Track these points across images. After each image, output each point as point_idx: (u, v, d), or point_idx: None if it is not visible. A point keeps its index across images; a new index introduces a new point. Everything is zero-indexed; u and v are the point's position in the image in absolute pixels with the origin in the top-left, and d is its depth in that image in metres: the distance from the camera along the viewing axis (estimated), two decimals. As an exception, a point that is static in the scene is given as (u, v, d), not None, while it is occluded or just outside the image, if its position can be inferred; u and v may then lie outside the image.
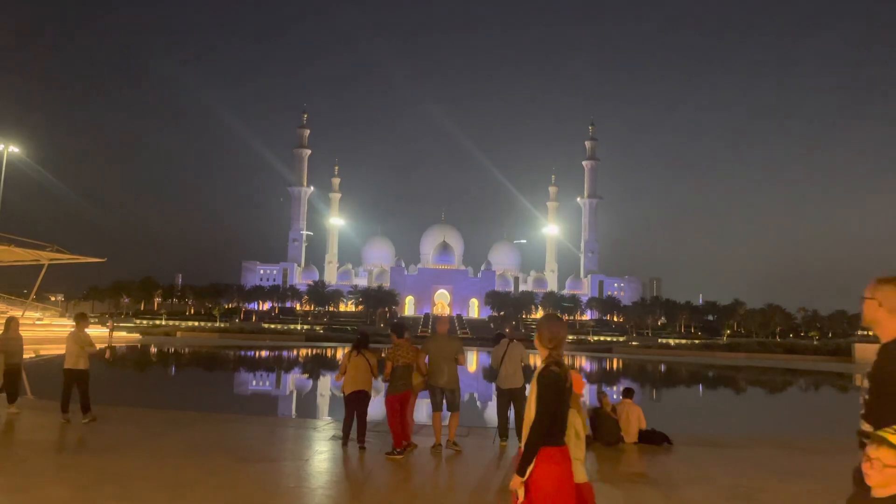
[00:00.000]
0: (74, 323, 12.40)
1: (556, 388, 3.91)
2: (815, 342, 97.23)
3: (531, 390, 3.97)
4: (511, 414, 11.09)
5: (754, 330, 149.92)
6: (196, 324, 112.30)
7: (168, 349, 52.31)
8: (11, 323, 12.94)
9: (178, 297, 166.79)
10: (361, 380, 10.27)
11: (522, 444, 3.92)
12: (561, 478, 3.81)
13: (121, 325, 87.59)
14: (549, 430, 3.85)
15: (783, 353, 72.72)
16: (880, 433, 2.82)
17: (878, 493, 2.82)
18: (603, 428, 11.24)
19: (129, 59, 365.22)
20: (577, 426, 5.61)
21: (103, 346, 47.44)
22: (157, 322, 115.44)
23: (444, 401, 10.58)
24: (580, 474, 5.23)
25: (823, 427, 18.28)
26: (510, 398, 10.96)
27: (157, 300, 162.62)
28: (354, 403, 10.25)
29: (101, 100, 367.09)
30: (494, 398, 11.80)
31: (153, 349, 51.12)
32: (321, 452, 9.96)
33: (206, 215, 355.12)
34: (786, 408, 25.84)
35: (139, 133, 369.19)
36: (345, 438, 10.29)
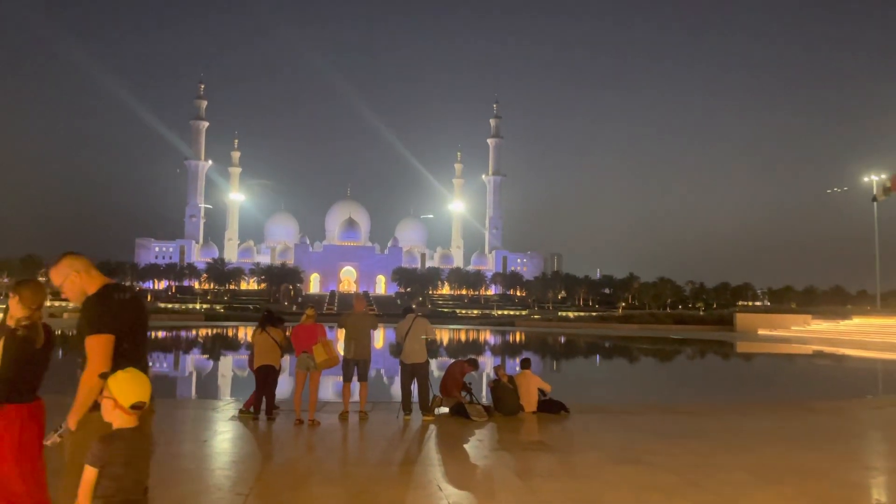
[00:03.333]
0: None
1: (21, 347, 4.09)
2: (701, 313, 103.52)
3: None
4: (414, 388, 11.30)
5: (647, 302, 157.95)
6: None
7: (55, 332, 49.27)
8: None
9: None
10: (267, 355, 10.64)
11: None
12: (20, 436, 3.97)
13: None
14: (15, 389, 4.03)
15: (672, 323, 76.96)
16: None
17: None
18: (503, 399, 11.61)
19: (8, 28, 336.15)
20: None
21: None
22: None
23: (356, 372, 11.00)
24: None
25: (705, 392, 19.62)
26: (413, 373, 11.16)
27: (42, 279, 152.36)
28: (261, 377, 10.62)
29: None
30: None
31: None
32: (221, 433, 9.77)
33: (96, 189, 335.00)
34: (673, 375, 27.48)
35: (20, 101, 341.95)
36: (255, 412, 10.61)
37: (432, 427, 10.52)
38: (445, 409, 11.67)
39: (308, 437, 9.56)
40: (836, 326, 59.71)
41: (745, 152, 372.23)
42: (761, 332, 61.99)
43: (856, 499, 6.78)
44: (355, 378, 11.12)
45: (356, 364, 11.11)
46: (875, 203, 60.15)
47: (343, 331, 11.28)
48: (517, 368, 12.56)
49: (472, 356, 12.80)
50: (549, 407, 11.95)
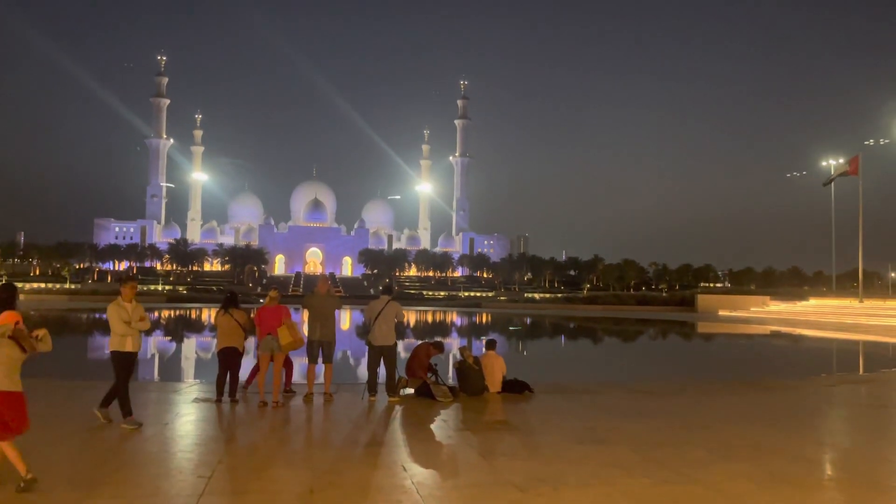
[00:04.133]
0: None
1: None
2: (664, 294, 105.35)
3: None
4: (381, 370, 11.30)
5: (612, 283, 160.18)
6: (42, 285, 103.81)
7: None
8: None
9: (21, 257, 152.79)
10: (230, 337, 10.56)
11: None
12: None
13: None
14: None
15: (636, 304, 78.31)
16: None
17: None
18: (468, 379, 11.68)
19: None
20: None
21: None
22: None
23: (321, 353, 11.02)
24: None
25: (666, 372, 20.02)
26: (381, 355, 11.16)
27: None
28: (224, 360, 10.56)
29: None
30: (366, 354, 11.96)
31: None
32: (183, 415, 9.64)
33: (53, 168, 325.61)
34: (636, 355, 27.98)
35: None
36: (218, 394, 10.55)
37: (398, 408, 10.54)
38: (411, 391, 11.70)
39: (272, 419, 9.51)
40: (794, 307, 61.34)
41: (708, 136, 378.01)
42: (722, 312, 63.38)
43: (809, 473, 6.99)
44: (320, 360, 11.10)
45: (321, 346, 11.08)
46: (832, 186, 61.62)
47: (307, 312, 11.24)
48: (483, 349, 12.64)
49: (438, 339, 12.85)
50: (514, 387, 12.07)
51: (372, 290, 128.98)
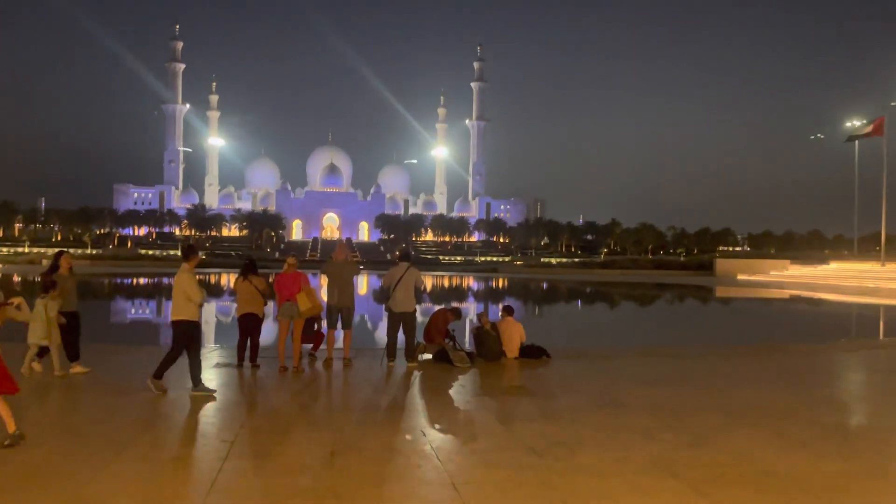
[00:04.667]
0: None
1: None
2: (682, 258, 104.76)
3: None
4: (400, 336, 11.40)
5: (629, 248, 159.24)
6: (64, 250, 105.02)
7: (33, 278, 48.87)
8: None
9: (43, 223, 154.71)
10: (249, 303, 10.68)
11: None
12: None
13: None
14: None
15: (653, 269, 78.04)
16: None
17: None
18: (485, 345, 11.74)
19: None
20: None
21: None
22: (20, 249, 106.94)
23: (340, 319, 11.14)
24: None
25: (684, 336, 19.99)
26: (400, 321, 11.24)
27: (18, 226, 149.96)
28: (245, 326, 10.74)
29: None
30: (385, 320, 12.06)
31: (16, 278, 47.57)
32: (205, 380, 9.79)
33: (73, 135, 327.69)
34: (653, 320, 27.96)
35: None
36: (239, 360, 10.74)
37: (416, 373, 10.65)
38: (429, 356, 11.80)
39: (292, 384, 9.64)
40: (814, 271, 60.79)
41: (728, 96, 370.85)
42: (740, 277, 62.99)
43: (828, 439, 6.99)
44: (339, 325, 11.22)
45: (340, 311, 11.19)
46: (855, 147, 60.42)
47: (326, 278, 11.33)
48: (500, 315, 12.68)
49: (456, 305, 12.91)
50: (531, 352, 12.12)
51: (388, 256, 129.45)
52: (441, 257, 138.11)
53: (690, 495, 5.13)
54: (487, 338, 11.70)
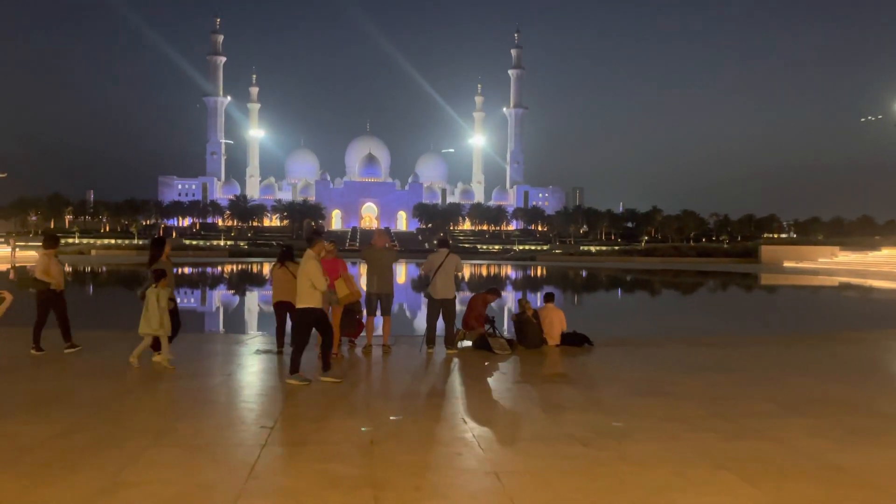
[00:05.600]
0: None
1: None
2: (725, 245, 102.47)
3: None
4: (439, 322, 11.29)
5: (670, 235, 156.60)
6: (112, 241, 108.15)
7: (83, 268, 50.25)
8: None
9: (91, 215, 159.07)
10: (286, 290, 10.65)
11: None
12: None
13: (29, 244, 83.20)
14: None
15: (696, 256, 76.52)
16: None
17: None
18: (526, 332, 11.55)
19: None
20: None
21: (7, 266, 45.05)
22: (70, 240, 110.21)
23: (379, 306, 11.12)
24: None
25: (729, 324, 19.46)
26: (440, 307, 11.13)
27: (68, 217, 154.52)
28: (281, 313, 10.84)
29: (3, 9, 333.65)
30: (424, 307, 11.96)
31: (67, 268, 48.93)
32: (246, 366, 9.86)
33: (119, 128, 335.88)
34: (697, 308, 27.34)
35: (42, 40, 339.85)
36: (279, 346, 10.84)
37: (456, 360, 10.52)
38: (468, 343, 11.67)
39: (331, 371, 9.59)
40: (864, 258, 58.86)
41: (772, 79, 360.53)
42: (787, 264, 61.38)
43: (888, 429, 6.64)
44: (378, 312, 11.15)
45: (379, 298, 11.13)
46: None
47: (365, 265, 11.29)
48: (540, 302, 12.46)
49: (493, 286, 12.73)
50: (573, 340, 11.89)
51: (427, 245, 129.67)
52: (479, 246, 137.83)
53: (744, 487, 4.89)
54: (528, 325, 11.50)
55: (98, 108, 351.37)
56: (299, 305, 8.74)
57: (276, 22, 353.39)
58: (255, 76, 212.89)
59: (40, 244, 11.00)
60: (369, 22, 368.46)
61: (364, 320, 11.46)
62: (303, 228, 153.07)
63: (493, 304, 12.48)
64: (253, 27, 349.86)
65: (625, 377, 9.31)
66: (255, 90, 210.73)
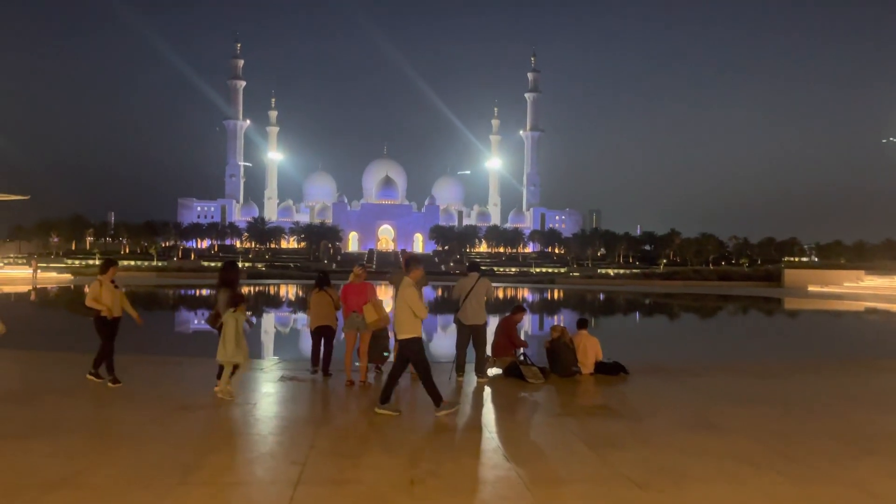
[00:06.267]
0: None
1: None
2: (745, 269, 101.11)
3: None
4: (469, 349, 10.87)
5: (689, 258, 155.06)
6: (132, 263, 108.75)
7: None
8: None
9: (112, 236, 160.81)
10: (325, 315, 10.73)
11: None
12: None
13: (50, 265, 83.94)
14: None
15: (718, 279, 75.36)
16: None
17: None
18: (560, 360, 11.10)
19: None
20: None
21: (29, 287, 45.24)
22: (90, 262, 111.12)
23: None
24: None
25: (763, 350, 18.82)
26: (471, 333, 10.71)
27: (89, 239, 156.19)
28: (319, 337, 10.86)
29: (26, 34, 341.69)
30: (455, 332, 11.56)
31: (86, 289, 49.09)
32: (270, 394, 9.49)
33: (139, 151, 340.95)
34: (725, 333, 26.64)
35: (64, 66, 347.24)
36: (313, 365, 10.88)
37: (488, 389, 10.09)
38: (499, 371, 11.24)
39: (360, 399, 9.21)
40: (892, 282, 57.62)
41: (791, 101, 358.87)
42: (811, 288, 60.19)
43: (968, 473, 6.12)
44: None
45: None
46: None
47: (393, 289, 10.91)
48: (573, 329, 12.00)
49: (517, 304, 12.31)
50: (608, 368, 11.42)
51: (443, 267, 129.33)
52: (495, 268, 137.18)
53: (829, 541, 4.41)
54: (564, 351, 11.05)
55: (120, 131, 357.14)
56: (402, 336, 8.23)
57: (295, 47, 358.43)
58: (274, 100, 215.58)
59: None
60: (387, 46, 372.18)
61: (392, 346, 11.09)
62: (320, 251, 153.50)
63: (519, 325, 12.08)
64: (273, 52, 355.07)
65: (669, 409, 8.83)
66: (274, 114, 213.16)
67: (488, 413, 8.68)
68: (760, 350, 19.03)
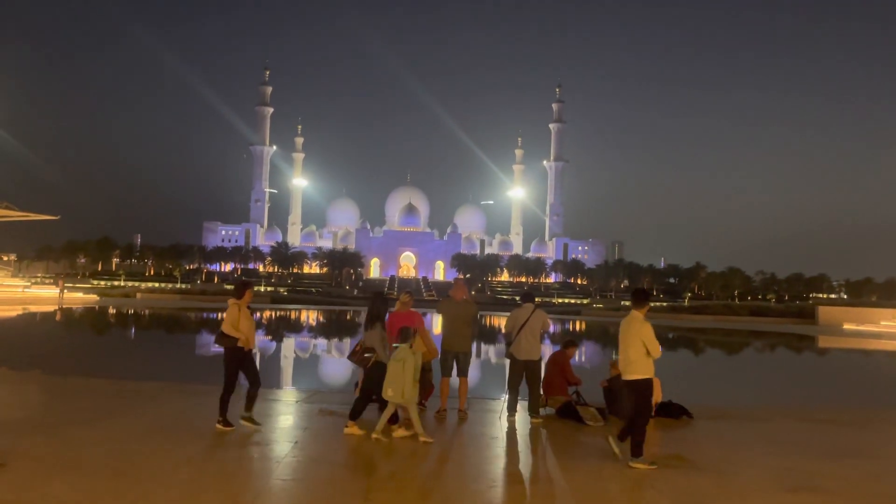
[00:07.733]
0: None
1: None
2: (772, 304, 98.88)
3: None
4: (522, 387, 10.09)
5: (715, 292, 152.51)
6: (156, 285, 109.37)
7: (127, 311, 50.21)
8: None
9: (138, 258, 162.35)
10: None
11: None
12: None
13: (77, 285, 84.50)
14: None
15: (749, 315, 73.55)
16: None
17: None
18: (620, 400, 10.20)
19: (87, 16, 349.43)
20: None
21: (55, 307, 45.17)
22: (116, 283, 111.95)
23: (455, 365, 10.06)
24: None
25: (823, 394, 17.69)
26: (525, 370, 9.91)
27: (115, 260, 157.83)
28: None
29: (56, 56, 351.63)
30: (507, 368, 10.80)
31: (111, 310, 48.93)
32: (311, 430, 8.75)
33: (166, 174, 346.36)
34: (773, 372, 25.42)
35: (96, 89, 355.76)
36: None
37: (543, 431, 9.27)
38: (551, 410, 10.42)
39: (410, 441, 8.40)
40: (933, 322, 55.65)
41: (817, 135, 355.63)
42: (846, 326, 58.36)
43: None
44: (454, 372, 10.02)
45: (456, 356, 10.00)
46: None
47: (442, 319, 10.20)
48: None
49: (568, 338, 11.54)
50: (670, 411, 10.55)
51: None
52: (517, 298, 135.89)
53: None
54: (626, 391, 10.18)
55: (148, 155, 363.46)
56: (631, 377, 7.47)
57: (322, 75, 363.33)
58: (300, 127, 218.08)
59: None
60: (412, 76, 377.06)
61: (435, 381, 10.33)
62: (342, 276, 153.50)
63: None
64: (300, 79, 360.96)
65: (752, 461, 7.92)
66: (300, 140, 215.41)
67: (551, 461, 7.86)
68: (818, 393, 17.91)
